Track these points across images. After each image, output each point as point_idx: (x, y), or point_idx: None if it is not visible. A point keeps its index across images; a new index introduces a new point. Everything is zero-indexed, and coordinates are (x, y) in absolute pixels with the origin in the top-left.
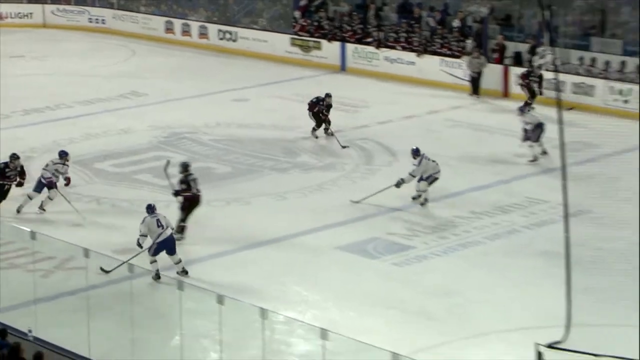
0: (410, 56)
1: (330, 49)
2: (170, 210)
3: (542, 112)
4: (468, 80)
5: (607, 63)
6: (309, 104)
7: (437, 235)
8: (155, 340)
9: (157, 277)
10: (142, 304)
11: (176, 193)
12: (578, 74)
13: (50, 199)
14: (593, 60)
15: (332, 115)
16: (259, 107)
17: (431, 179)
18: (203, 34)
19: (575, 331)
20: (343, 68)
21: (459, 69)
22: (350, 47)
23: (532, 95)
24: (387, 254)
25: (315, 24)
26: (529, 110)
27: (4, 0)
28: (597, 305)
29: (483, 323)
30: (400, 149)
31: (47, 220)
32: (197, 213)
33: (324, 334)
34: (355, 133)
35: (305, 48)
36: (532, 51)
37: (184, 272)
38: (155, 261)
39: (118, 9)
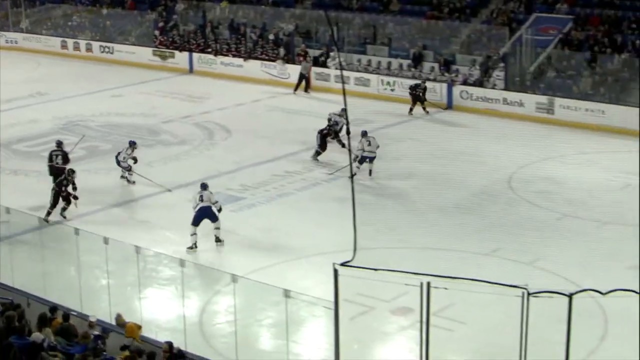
0: (239, 61)
1: (181, 57)
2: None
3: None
4: (302, 79)
5: (379, 63)
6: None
7: (262, 189)
8: (60, 271)
9: (192, 248)
10: (51, 248)
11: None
12: (358, 71)
13: None
14: (369, 61)
15: (183, 106)
16: (131, 100)
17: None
18: (89, 49)
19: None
20: (191, 71)
21: (274, 69)
22: (195, 55)
23: (421, 102)
24: (226, 203)
25: (170, 39)
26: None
27: None
28: (375, 234)
29: (296, 250)
30: (233, 127)
31: None
32: (89, 178)
33: (182, 262)
34: (200, 117)
35: (163, 57)
36: (326, 55)
37: (219, 240)
38: (195, 233)
39: (27, 33)
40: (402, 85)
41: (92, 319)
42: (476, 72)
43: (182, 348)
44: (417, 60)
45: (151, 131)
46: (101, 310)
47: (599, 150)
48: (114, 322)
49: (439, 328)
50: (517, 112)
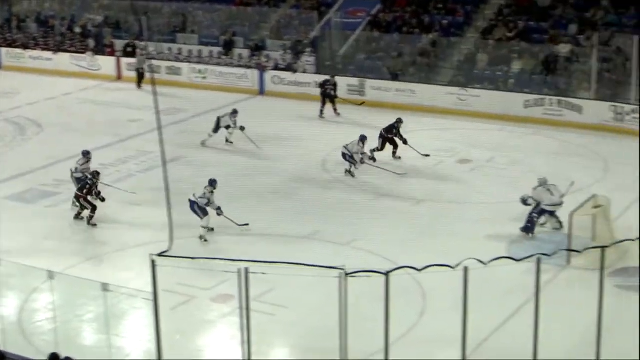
0: (48, 54)
1: None
2: None
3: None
4: (138, 73)
5: (189, 51)
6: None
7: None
8: None
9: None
10: None
11: None
12: (169, 60)
13: None
14: (179, 49)
15: None
16: None
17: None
18: None
19: (178, 243)
20: None
21: (84, 61)
22: (3, 50)
23: (331, 100)
24: (42, 199)
25: None
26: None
27: None
28: (193, 223)
29: (116, 243)
30: (45, 122)
31: None
32: None
33: None
34: (10, 113)
35: None
36: (133, 46)
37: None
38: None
39: None
40: (215, 73)
41: None
42: (287, 57)
43: (2, 348)
44: (228, 47)
45: None
46: None
47: (411, 130)
48: None
49: (261, 313)
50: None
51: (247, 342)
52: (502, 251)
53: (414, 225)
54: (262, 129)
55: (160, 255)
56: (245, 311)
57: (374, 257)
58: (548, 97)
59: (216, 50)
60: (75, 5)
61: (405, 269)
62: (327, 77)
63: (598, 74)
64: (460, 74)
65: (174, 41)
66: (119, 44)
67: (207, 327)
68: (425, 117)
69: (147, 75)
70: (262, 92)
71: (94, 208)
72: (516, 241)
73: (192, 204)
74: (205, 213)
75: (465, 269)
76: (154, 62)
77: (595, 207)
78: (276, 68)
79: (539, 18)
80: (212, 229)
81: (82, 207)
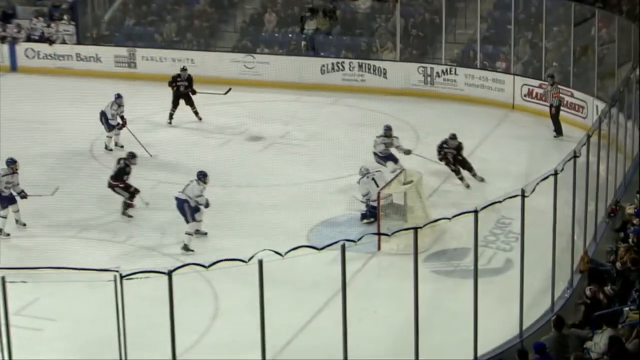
0: None
1: None
2: None
3: None
4: None
5: None
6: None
7: None
8: None
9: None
10: None
11: None
12: None
13: None
14: None
15: None
16: None
17: None
18: None
19: None
20: None
21: None
22: None
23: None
24: None
25: None
26: None
27: None
28: None
29: None
30: None
31: None
32: None
33: None
34: None
35: None
36: None
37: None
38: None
39: None
40: None
41: None
42: (41, 26)
43: None
44: None
45: None
46: None
47: (202, 103)
48: None
49: (23, 329)
50: (93, 69)
51: None
52: (302, 239)
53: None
54: (16, 112)
55: None
56: (5, 328)
57: (155, 255)
58: (347, 61)
59: None
60: None
61: (191, 266)
62: (178, 72)
63: (403, 32)
64: (245, 38)
65: None
66: None
67: None
68: (208, 89)
69: None
70: (14, 68)
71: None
72: (317, 227)
73: (182, 202)
74: (195, 214)
75: (260, 263)
76: None
77: (406, 182)
78: (29, 39)
79: None
80: (206, 233)
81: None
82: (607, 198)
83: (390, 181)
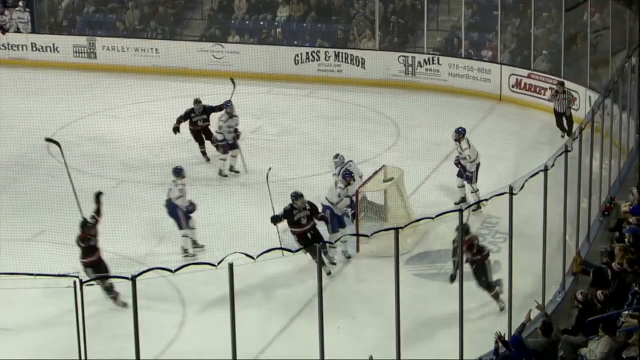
0: None
1: None
2: None
3: None
4: None
5: None
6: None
7: None
8: None
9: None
10: None
11: None
12: None
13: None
14: None
15: None
16: None
17: None
18: None
19: None
20: None
21: None
22: None
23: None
24: None
25: None
26: None
27: None
28: None
29: None
30: None
31: None
32: None
33: None
34: None
35: None
36: None
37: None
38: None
39: None
40: None
41: None
42: None
43: None
44: None
45: None
46: None
47: (156, 98)
48: None
49: None
50: (50, 60)
51: None
52: (275, 242)
53: (166, 216)
54: None
55: None
56: None
57: (119, 259)
58: (323, 50)
59: None
60: None
61: (157, 271)
62: (191, 107)
63: (382, 19)
64: (214, 26)
65: None
66: None
67: None
68: (174, 82)
69: None
70: None
71: None
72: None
73: (173, 207)
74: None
75: (230, 267)
76: None
77: (386, 180)
78: None
79: None
80: (203, 246)
81: None
82: (601, 195)
83: (370, 178)
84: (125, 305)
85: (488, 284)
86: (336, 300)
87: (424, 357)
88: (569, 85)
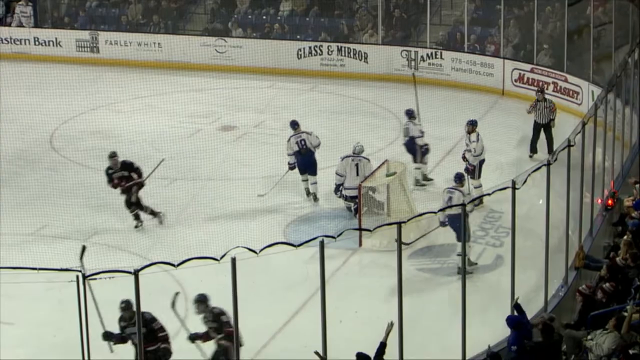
0: None
1: None
2: None
3: None
4: None
5: None
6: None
7: None
8: None
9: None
10: None
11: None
12: None
13: None
14: None
15: None
16: None
17: None
18: None
19: None
20: None
21: None
22: None
23: None
24: None
25: None
26: None
27: None
28: None
29: None
30: None
31: None
32: None
33: None
34: None
35: None
36: None
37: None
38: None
39: None
40: None
41: None
42: None
43: None
44: None
45: None
46: None
47: (158, 92)
48: None
49: None
50: (53, 54)
51: None
52: (278, 236)
53: (168, 211)
54: None
55: None
56: None
57: (121, 253)
58: (326, 44)
59: None
60: None
61: (159, 265)
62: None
63: (385, 13)
64: (216, 20)
65: None
66: None
67: None
68: (176, 76)
69: None
70: None
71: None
72: (294, 223)
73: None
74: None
75: (233, 261)
76: None
77: (389, 174)
78: None
79: None
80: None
81: None
82: (603, 190)
83: (373, 173)
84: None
85: None
86: (339, 294)
87: (427, 350)
88: (572, 79)
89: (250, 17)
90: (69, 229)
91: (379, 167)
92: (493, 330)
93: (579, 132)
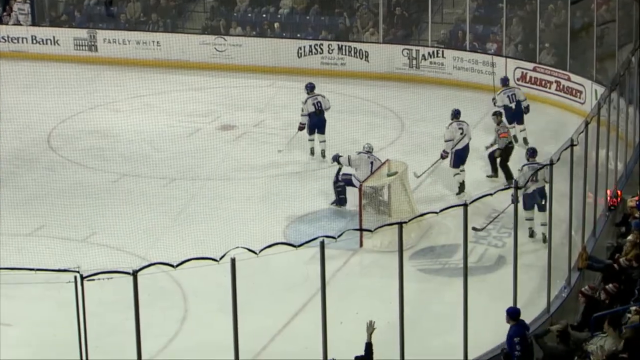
0: None
1: None
2: None
3: None
4: None
5: None
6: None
7: None
8: None
9: None
10: None
11: None
12: None
13: None
14: None
15: None
16: None
17: None
18: None
19: None
20: None
21: None
22: None
23: None
24: None
25: None
26: None
27: None
28: None
29: None
30: None
31: None
32: None
33: None
34: None
35: None
36: None
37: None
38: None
39: None
40: None
41: None
42: None
43: None
44: None
45: None
46: None
47: (157, 91)
48: None
49: None
50: (50, 53)
51: None
52: (278, 236)
53: (167, 211)
54: None
55: None
56: None
57: (119, 254)
58: (326, 43)
59: None
60: None
61: (158, 265)
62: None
63: (386, 11)
64: (215, 19)
65: None
66: None
67: None
68: (175, 75)
69: None
70: None
71: None
72: (294, 223)
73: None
74: None
75: (232, 261)
76: None
77: (390, 174)
78: None
79: None
80: None
81: None
82: (606, 190)
83: (374, 172)
84: None
85: None
86: (339, 295)
87: (428, 352)
88: (575, 78)
89: (249, 15)
90: (66, 229)
91: (379, 166)
92: (495, 331)
93: (582, 131)
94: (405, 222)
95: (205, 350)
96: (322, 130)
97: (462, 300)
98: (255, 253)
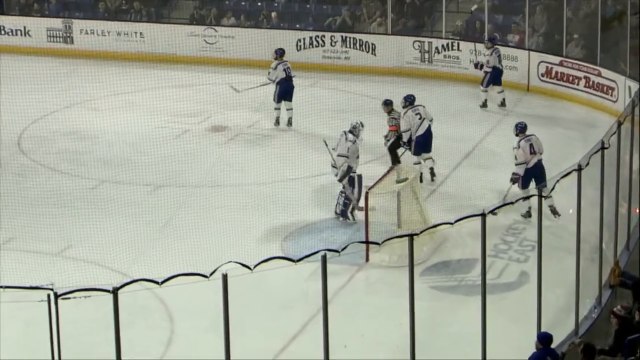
0: None
1: None
2: None
3: None
4: None
5: None
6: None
7: None
8: None
9: None
10: None
11: None
12: None
13: None
14: None
15: None
16: None
17: None
18: None
19: None
20: None
21: None
22: None
23: None
24: None
25: None
26: None
27: None
28: None
29: None
30: None
31: None
32: None
33: None
34: None
35: None
36: None
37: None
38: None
39: None
40: None
41: None
42: None
43: None
44: None
45: None
46: None
47: (140, 88)
48: None
49: None
50: (20, 45)
51: None
52: (275, 249)
53: (151, 221)
54: None
55: None
56: None
57: (98, 269)
58: (329, 34)
59: None
60: None
61: (141, 282)
62: None
63: None
64: (205, 7)
65: None
66: None
67: None
68: (161, 70)
69: None
70: None
71: None
72: (293, 235)
73: None
74: None
75: (224, 277)
76: None
77: (399, 181)
78: None
79: None
80: None
81: None
82: None
83: (382, 179)
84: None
85: None
86: (343, 315)
87: None
88: (606, 73)
89: (243, 3)
90: (39, 242)
91: (387, 172)
92: (516, 356)
93: (614, 132)
94: (417, 234)
95: None
96: (289, 98)
97: (480, 321)
98: (250, 268)
